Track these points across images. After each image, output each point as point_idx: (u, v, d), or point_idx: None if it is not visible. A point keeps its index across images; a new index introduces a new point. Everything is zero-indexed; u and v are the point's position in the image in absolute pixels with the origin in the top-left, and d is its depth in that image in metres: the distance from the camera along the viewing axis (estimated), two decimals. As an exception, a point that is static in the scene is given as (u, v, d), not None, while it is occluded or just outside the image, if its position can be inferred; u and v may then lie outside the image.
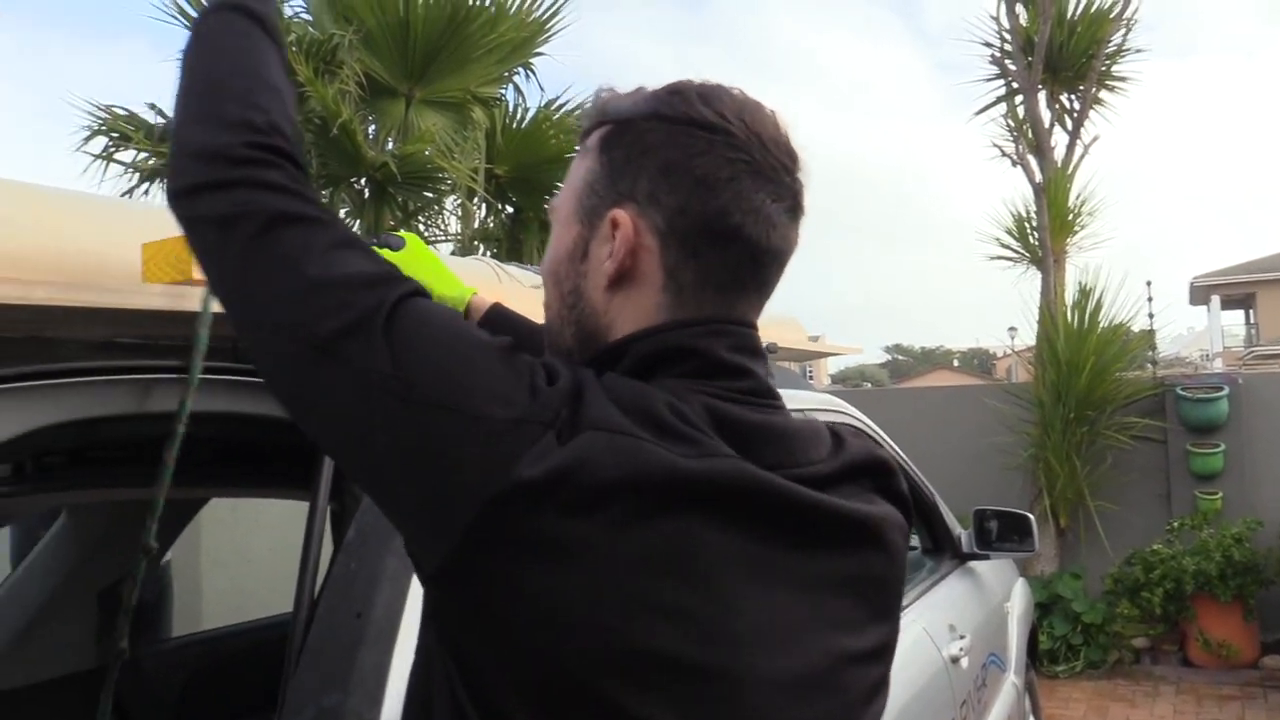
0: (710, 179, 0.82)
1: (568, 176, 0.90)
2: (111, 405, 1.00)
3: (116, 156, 5.39)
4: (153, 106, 5.51)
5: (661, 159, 0.82)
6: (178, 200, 0.84)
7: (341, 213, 5.83)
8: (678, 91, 0.85)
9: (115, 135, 5.38)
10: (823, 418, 2.56)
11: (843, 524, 0.81)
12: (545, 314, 0.90)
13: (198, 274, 1.07)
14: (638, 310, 0.83)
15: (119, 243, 1.07)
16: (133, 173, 5.35)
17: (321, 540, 1.14)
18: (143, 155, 5.33)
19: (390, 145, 5.56)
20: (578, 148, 0.92)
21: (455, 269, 1.74)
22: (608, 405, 0.73)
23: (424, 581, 0.76)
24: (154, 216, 1.34)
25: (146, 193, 5.35)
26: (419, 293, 0.78)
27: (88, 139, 5.32)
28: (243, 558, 3.72)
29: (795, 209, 0.87)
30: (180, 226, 0.85)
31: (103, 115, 5.36)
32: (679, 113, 0.83)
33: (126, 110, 5.47)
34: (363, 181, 5.54)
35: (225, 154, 0.82)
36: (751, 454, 0.77)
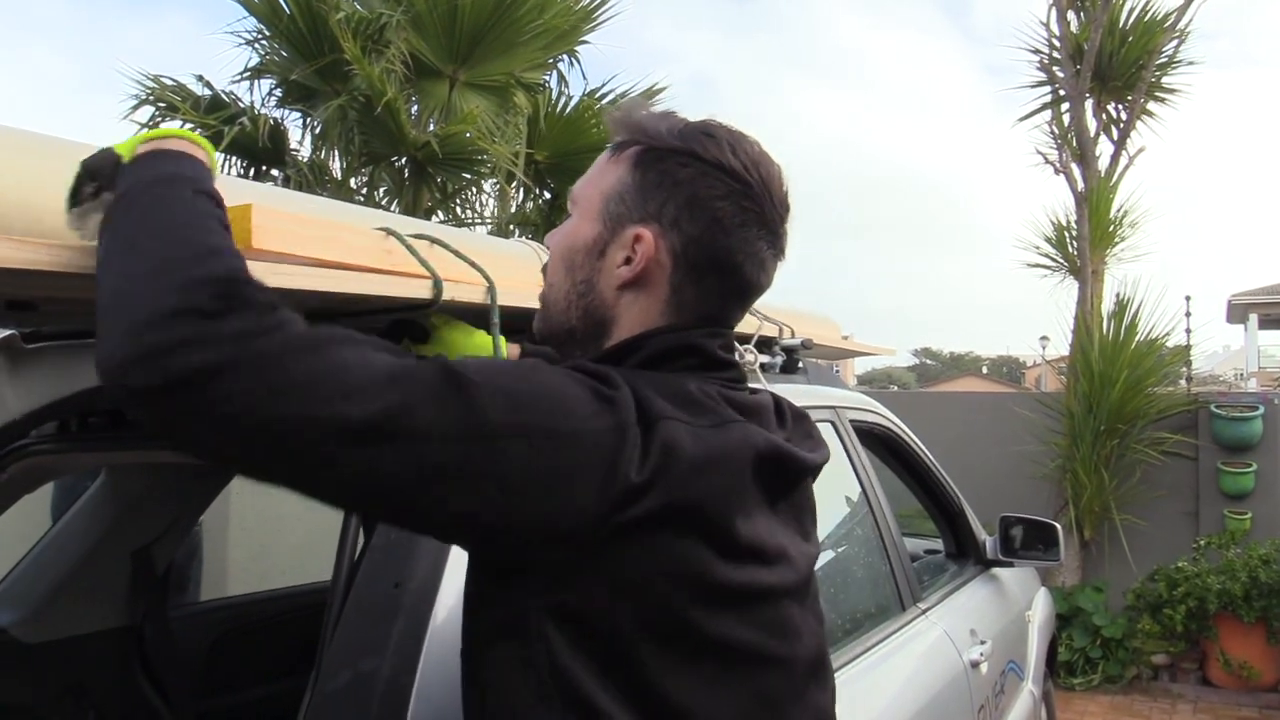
0: (725, 221, 0.99)
1: (594, 173, 1.04)
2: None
3: (162, 126, 5.45)
4: (200, 78, 5.58)
5: (688, 193, 0.98)
6: (145, 364, 0.73)
7: (380, 191, 5.87)
8: (711, 135, 1.00)
9: (162, 105, 5.44)
10: (854, 415, 2.57)
11: (806, 469, 1.03)
12: (548, 290, 1.04)
13: (257, 244, 1.09)
14: (642, 312, 1.00)
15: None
16: (178, 142, 5.40)
17: (362, 509, 1.17)
18: (188, 125, 5.39)
19: (432, 126, 5.59)
20: (609, 147, 1.04)
21: (498, 249, 1.75)
22: (660, 399, 0.87)
23: (537, 568, 0.85)
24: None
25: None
26: (447, 361, 0.84)
27: (135, 108, 5.39)
28: (271, 525, 3.76)
29: (779, 254, 1.06)
30: (153, 395, 0.73)
31: (151, 85, 5.43)
32: (711, 156, 0.99)
33: (174, 80, 5.54)
34: (403, 161, 5.57)
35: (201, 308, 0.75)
36: (751, 422, 0.96)
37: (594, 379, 0.86)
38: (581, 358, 0.97)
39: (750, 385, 1.05)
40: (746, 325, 1.94)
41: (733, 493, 0.90)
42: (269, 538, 3.71)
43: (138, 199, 0.86)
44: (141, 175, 0.90)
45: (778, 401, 1.07)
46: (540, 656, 0.84)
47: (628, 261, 0.98)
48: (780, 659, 0.95)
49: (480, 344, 1.39)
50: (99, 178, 0.95)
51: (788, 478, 1.00)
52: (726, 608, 0.90)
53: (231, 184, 1.81)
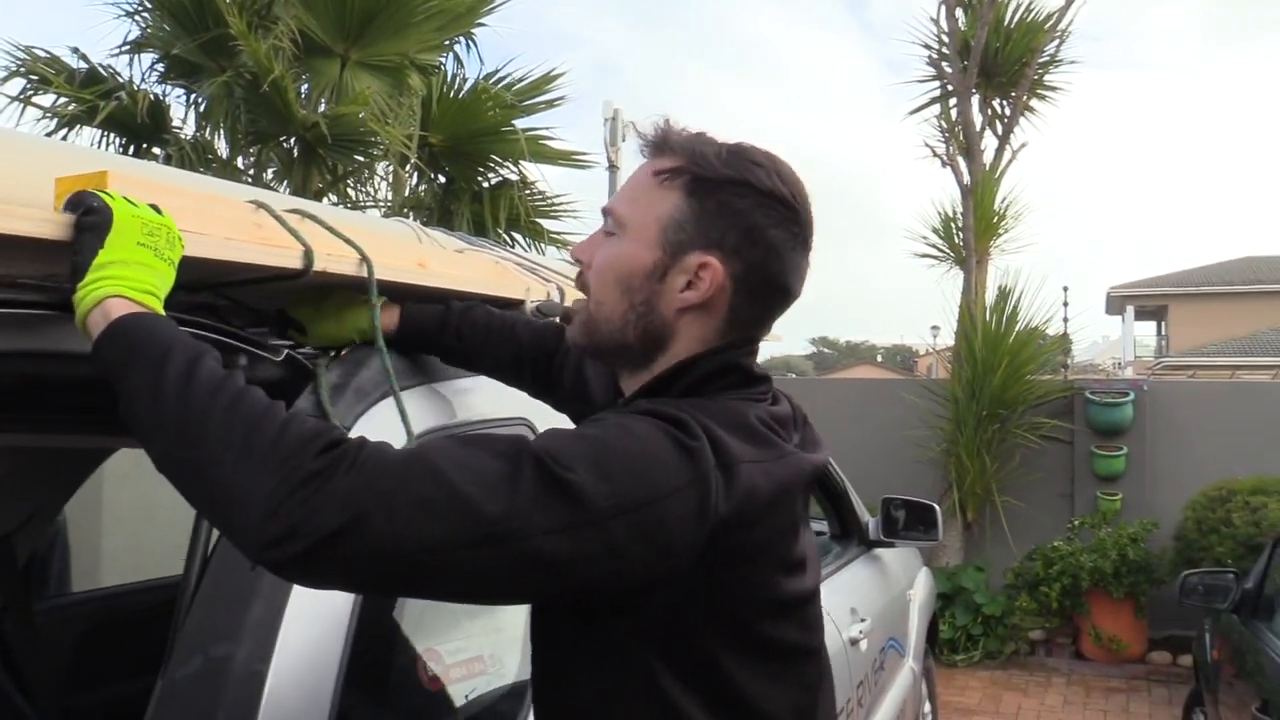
0: (779, 247, 1.06)
1: (642, 197, 1.07)
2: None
3: (35, 100, 5.20)
4: (75, 50, 5.33)
5: (747, 222, 1.04)
6: (293, 539, 0.81)
7: (269, 172, 5.71)
8: (759, 164, 1.06)
9: (34, 78, 5.19)
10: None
11: (821, 474, 1.13)
12: (598, 308, 1.08)
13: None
14: (701, 331, 1.07)
15: (39, 175, 1.04)
16: (51, 117, 5.17)
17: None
18: (62, 100, 5.16)
19: (323, 106, 5.45)
20: (656, 173, 1.06)
21: (375, 226, 1.72)
22: (732, 439, 0.96)
23: (637, 604, 0.95)
24: (73, 155, 1.29)
25: (64, 137, 5.17)
26: (532, 444, 0.90)
27: (4, 79, 5.13)
28: (146, 515, 3.64)
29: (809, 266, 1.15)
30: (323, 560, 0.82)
31: (22, 56, 5.17)
32: (765, 186, 1.05)
33: (48, 52, 5.28)
34: (292, 141, 5.42)
35: (301, 472, 0.82)
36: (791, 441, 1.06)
37: (675, 427, 0.94)
38: (649, 395, 1.06)
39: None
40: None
41: (791, 518, 1.03)
42: (143, 528, 3.58)
43: (169, 388, 0.88)
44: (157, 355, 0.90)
45: (791, 405, 1.14)
46: (638, 679, 0.96)
47: (690, 286, 1.05)
48: (814, 649, 1.09)
49: (355, 318, 1.39)
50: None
51: (811, 487, 1.11)
52: (787, 616, 1.04)
53: (95, 155, 1.74)
